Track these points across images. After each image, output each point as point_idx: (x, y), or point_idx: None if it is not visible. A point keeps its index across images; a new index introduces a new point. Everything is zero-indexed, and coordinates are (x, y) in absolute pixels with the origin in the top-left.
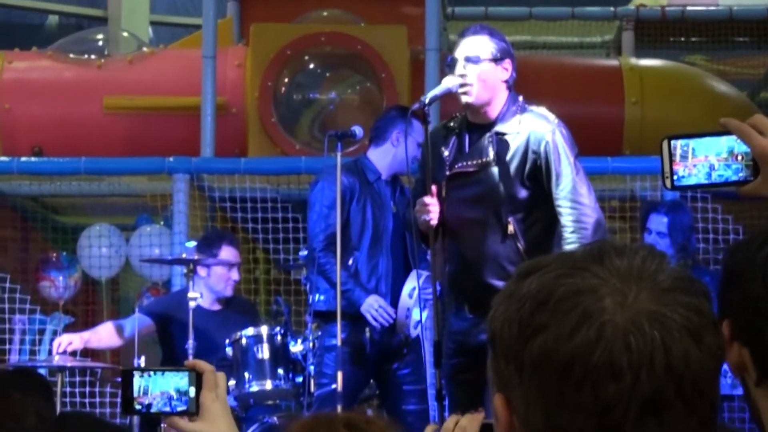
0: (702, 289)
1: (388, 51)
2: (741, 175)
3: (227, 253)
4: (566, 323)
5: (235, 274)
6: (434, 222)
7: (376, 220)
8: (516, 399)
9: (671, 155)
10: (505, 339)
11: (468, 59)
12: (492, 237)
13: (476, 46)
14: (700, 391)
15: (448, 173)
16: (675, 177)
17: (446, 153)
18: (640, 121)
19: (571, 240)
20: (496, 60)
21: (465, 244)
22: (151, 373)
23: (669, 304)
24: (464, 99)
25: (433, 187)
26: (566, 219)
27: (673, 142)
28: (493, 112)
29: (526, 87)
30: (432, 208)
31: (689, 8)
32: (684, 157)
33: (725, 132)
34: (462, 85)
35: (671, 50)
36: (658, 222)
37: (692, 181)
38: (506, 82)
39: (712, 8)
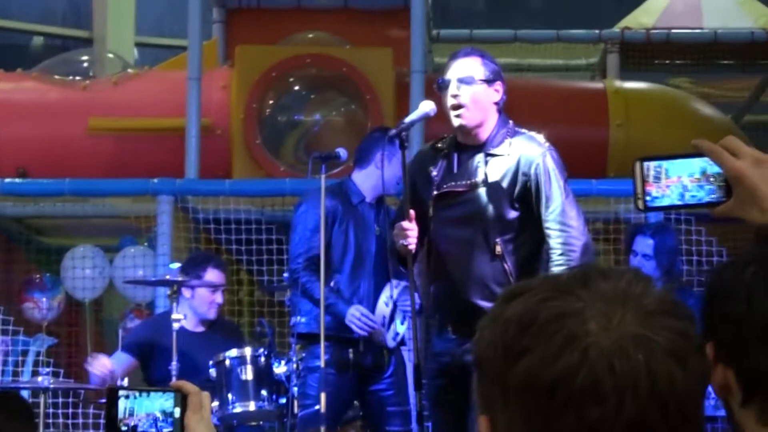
0: (687, 313)
1: (373, 73)
2: (714, 196)
3: (212, 275)
4: (550, 346)
5: (219, 297)
6: (412, 247)
7: (358, 243)
8: (501, 422)
9: (643, 177)
10: (490, 362)
11: (461, 80)
12: (479, 257)
13: (469, 67)
14: (685, 415)
15: (435, 193)
16: (648, 198)
17: (434, 173)
18: (625, 144)
19: (558, 262)
20: (489, 82)
21: (451, 263)
22: (137, 393)
23: (654, 327)
24: (457, 122)
25: (412, 212)
26: (554, 241)
27: (645, 163)
28: (484, 134)
29: (512, 109)
30: (410, 233)
31: (674, 31)
32: (657, 178)
33: (698, 154)
34: (455, 107)
35: (656, 73)
36: (644, 244)
37: (665, 202)
38: (497, 104)
39: (697, 31)
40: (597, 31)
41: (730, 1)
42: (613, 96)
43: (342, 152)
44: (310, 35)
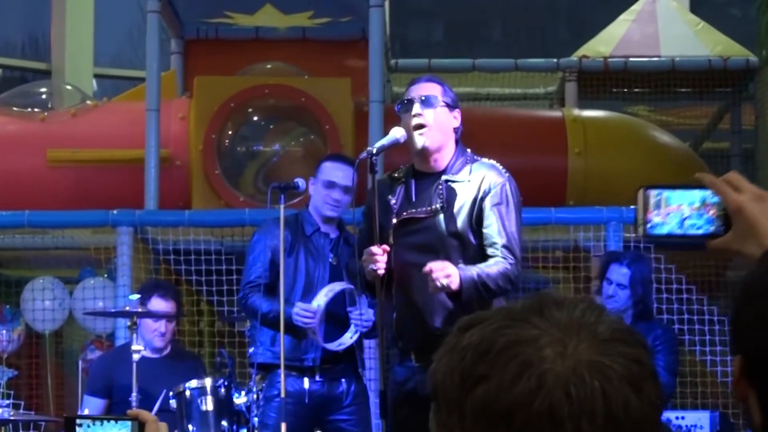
0: (640, 341)
1: (331, 103)
2: (713, 227)
3: (157, 304)
4: (507, 372)
5: (162, 327)
6: (381, 272)
7: (309, 271)
8: None
9: (645, 204)
10: (447, 390)
11: (424, 101)
12: None
13: (431, 90)
14: None
15: (395, 220)
16: (648, 225)
17: (393, 201)
18: (584, 172)
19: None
20: (449, 107)
21: (414, 290)
22: (95, 422)
23: (609, 354)
24: (421, 141)
25: (385, 247)
26: (494, 259)
27: (648, 191)
28: (443, 161)
29: (470, 138)
30: (379, 258)
31: (632, 59)
32: (658, 206)
33: (700, 186)
34: (418, 127)
35: (614, 101)
36: (619, 273)
37: (665, 230)
38: (456, 131)
39: (655, 59)
40: (555, 60)
41: (687, 29)
42: (572, 124)
43: (301, 182)
44: (269, 66)
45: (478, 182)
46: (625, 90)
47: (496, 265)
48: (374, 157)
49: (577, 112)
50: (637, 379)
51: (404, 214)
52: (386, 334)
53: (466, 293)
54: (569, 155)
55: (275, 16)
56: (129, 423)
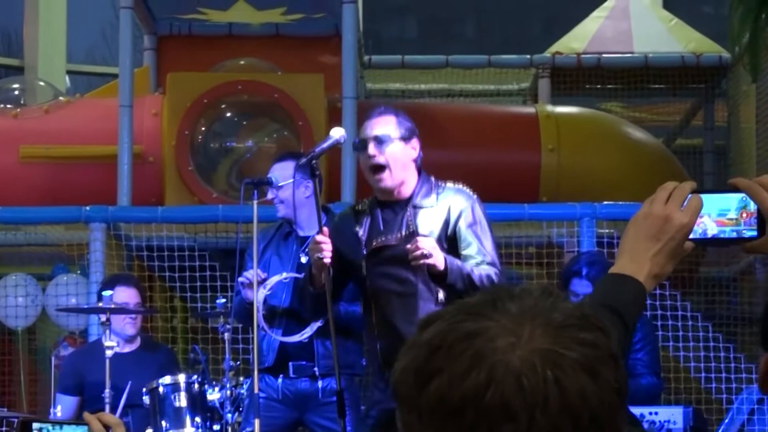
0: (598, 324)
1: (305, 99)
2: (747, 233)
3: (121, 293)
4: (459, 366)
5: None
6: (327, 260)
7: (271, 274)
8: None
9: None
10: (405, 387)
11: (378, 140)
12: (424, 307)
13: (384, 126)
14: (600, 426)
15: (366, 251)
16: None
17: (361, 232)
18: (557, 168)
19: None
20: (405, 139)
21: (396, 317)
22: (51, 427)
23: (563, 341)
24: (381, 185)
25: (325, 228)
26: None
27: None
28: (407, 189)
29: (444, 135)
30: (324, 246)
31: (605, 56)
32: None
33: (734, 189)
34: (375, 169)
35: (587, 97)
36: (582, 286)
37: (700, 234)
38: (415, 161)
39: (628, 56)
40: (528, 57)
41: (660, 25)
42: (545, 120)
43: (274, 178)
44: (242, 62)
45: (447, 206)
46: (599, 86)
47: (484, 268)
48: (315, 162)
49: (550, 108)
50: (593, 365)
51: (374, 243)
52: (372, 365)
53: (452, 276)
54: (542, 151)
55: (248, 12)
56: (86, 428)
